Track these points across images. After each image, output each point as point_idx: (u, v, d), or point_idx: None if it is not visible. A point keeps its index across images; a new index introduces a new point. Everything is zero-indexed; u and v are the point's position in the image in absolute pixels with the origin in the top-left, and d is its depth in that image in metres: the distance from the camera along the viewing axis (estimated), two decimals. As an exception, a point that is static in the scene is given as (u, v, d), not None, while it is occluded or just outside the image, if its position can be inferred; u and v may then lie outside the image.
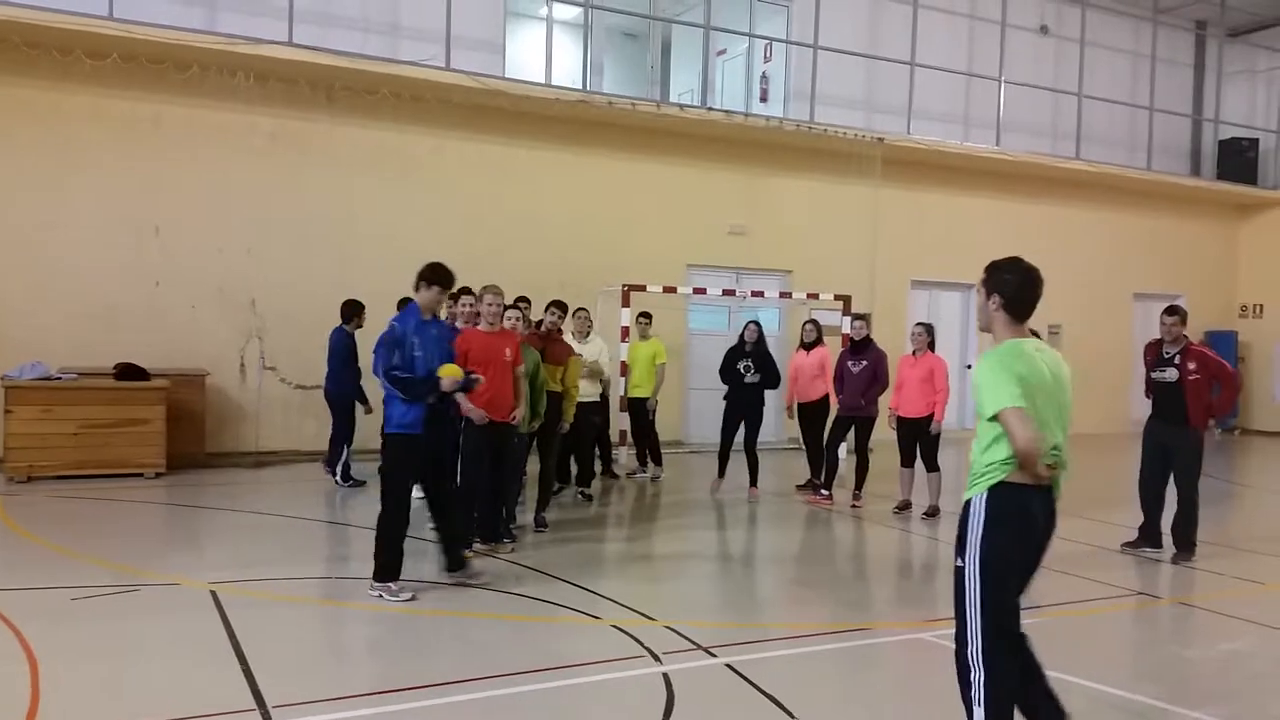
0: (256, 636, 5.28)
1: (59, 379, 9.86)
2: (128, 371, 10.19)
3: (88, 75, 10.62)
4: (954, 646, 3.73)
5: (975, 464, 3.69)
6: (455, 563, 6.61)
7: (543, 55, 12.99)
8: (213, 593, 6.06)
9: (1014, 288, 3.74)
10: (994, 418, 3.55)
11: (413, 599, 6.10)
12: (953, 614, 3.75)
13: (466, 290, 8.11)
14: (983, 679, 3.61)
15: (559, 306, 8.98)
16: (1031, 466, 3.54)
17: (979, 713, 3.61)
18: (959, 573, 3.68)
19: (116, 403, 9.94)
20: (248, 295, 11.44)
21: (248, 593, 6.18)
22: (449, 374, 6.24)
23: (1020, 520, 3.62)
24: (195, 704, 4.40)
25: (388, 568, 6.19)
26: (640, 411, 11.05)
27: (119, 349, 10.55)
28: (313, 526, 8.38)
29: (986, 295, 3.80)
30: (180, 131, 11.22)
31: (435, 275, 6.39)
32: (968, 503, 3.69)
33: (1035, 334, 3.98)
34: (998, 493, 3.61)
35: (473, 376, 6.55)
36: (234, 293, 11.41)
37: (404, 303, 9.94)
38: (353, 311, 10.20)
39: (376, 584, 6.16)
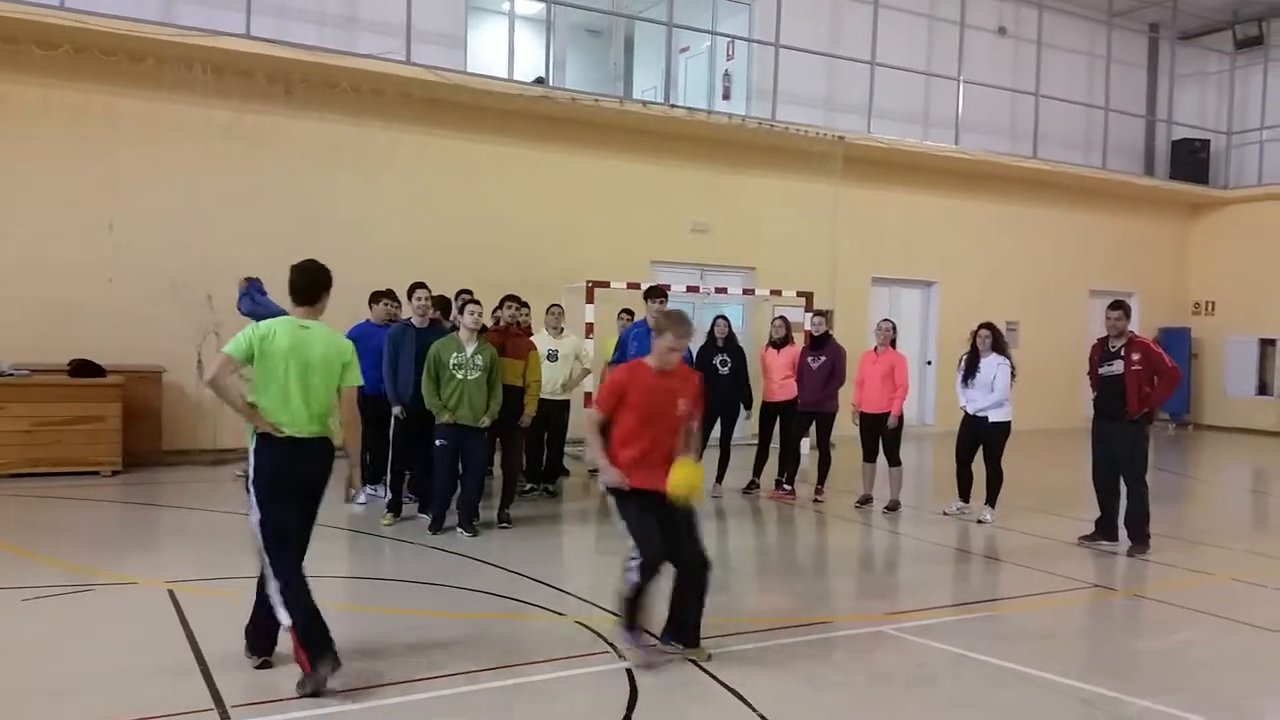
0: (215, 636, 5.20)
1: (11, 375, 9.68)
2: (82, 368, 10.01)
3: (38, 66, 10.41)
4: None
5: None
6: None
7: (504, 50, 12.93)
8: (170, 592, 5.97)
9: (292, 281, 4.79)
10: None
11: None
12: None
13: (467, 293, 8.55)
14: (269, 564, 4.59)
15: (516, 301, 8.93)
16: (219, 393, 4.58)
17: (277, 604, 4.53)
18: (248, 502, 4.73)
19: (71, 400, 9.76)
20: (204, 290, 11.26)
21: (206, 592, 6.10)
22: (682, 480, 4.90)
23: (274, 461, 4.63)
24: (153, 705, 4.33)
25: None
26: None
27: (73, 345, 10.36)
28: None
29: None
30: (134, 124, 11.03)
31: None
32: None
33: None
34: (257, 440, 4.67)
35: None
36: (190, 288, 11.23)
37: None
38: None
39: None
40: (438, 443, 7.75)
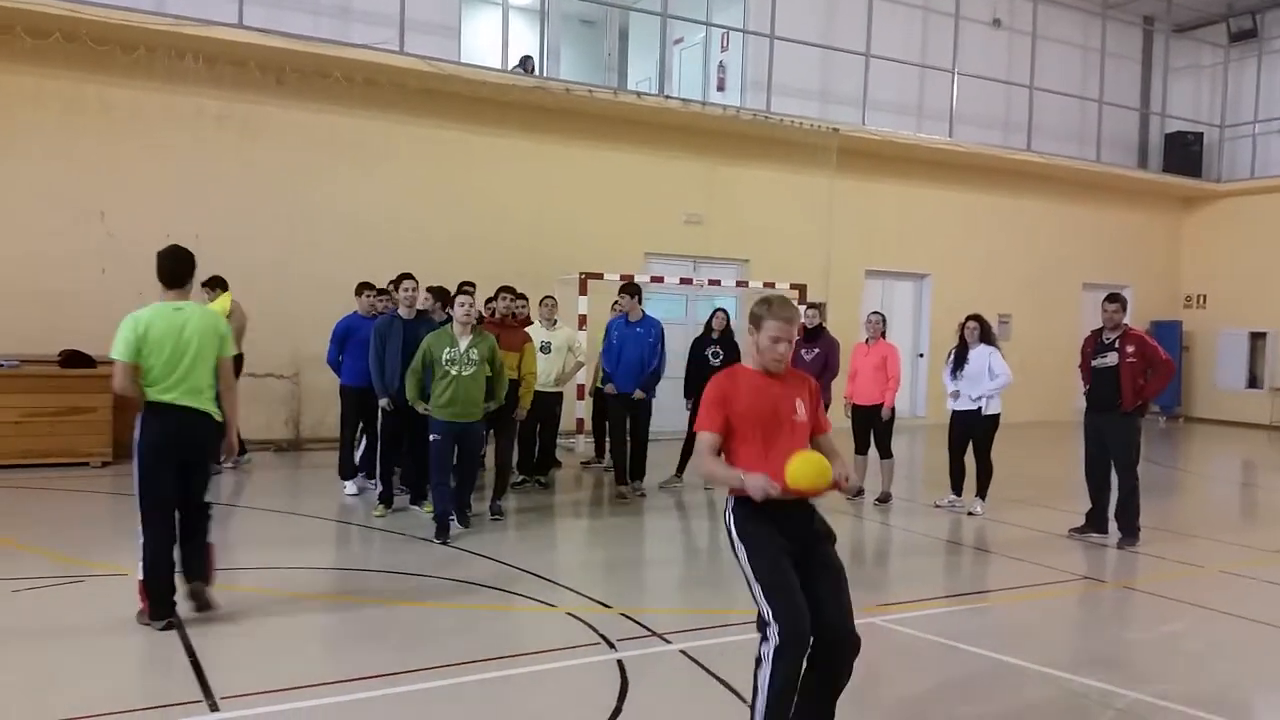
0: (204, 627, 5.21)
1: (1, 366, 9.64)
2: (73, 359, 9.98)
3: (29, 54, 10.35)
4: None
5: None
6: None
7: (498, 40, 12.90)
8: (161, 583, 5.96)
9: (162, 266, 5.29)
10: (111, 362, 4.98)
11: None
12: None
13: (468, 284, 8.48)
14: (142, 524, 5.11)
15: (510, 292, 8.91)
16: (124, 391, 5.05)
17: (138, 555, 5.10)
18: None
19: (61, 390, 9.73)
20: (195, 281, 11.20)
21: (197, 583, 6.09)
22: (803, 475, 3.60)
23: (159, 429, 5.06)
24: (143, 696, 4.33)
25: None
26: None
27: (64, 335, 10.31)
28: (262, 515, 8.28)
29: None
30: (127, 114, 10.98)
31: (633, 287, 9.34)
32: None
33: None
34: (145, 409, 5.06)
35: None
36: (182, 279, 11.18)
37: None
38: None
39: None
40: (432, 438, 7.48)
